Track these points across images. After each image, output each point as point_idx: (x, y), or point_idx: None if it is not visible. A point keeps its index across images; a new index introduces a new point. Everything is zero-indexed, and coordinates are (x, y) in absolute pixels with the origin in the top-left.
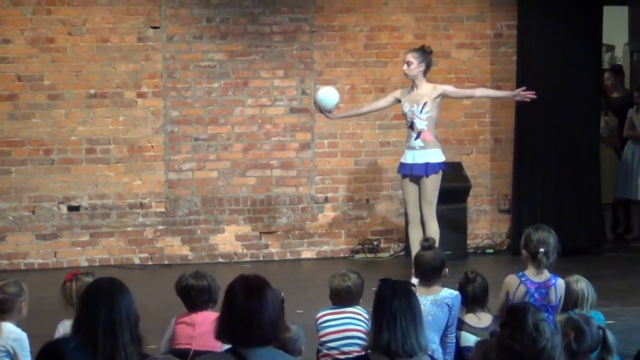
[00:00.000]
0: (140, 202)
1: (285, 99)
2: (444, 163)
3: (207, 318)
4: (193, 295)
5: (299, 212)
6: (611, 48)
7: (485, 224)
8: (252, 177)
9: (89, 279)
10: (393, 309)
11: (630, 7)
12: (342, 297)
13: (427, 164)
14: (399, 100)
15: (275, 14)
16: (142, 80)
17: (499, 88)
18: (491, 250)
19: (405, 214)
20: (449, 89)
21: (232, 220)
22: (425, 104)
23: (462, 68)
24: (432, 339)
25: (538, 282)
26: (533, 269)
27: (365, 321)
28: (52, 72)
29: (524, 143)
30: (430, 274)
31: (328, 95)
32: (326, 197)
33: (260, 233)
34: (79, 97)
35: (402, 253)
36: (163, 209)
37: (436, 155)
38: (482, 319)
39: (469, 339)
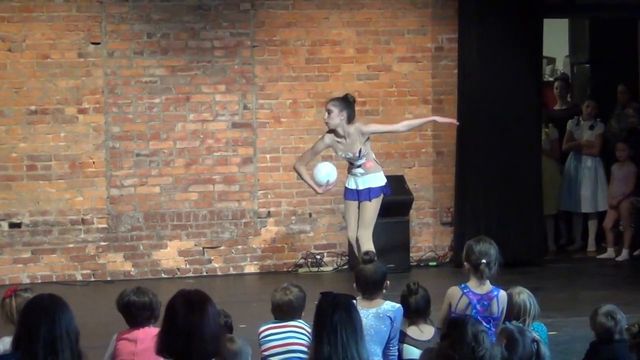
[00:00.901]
0: (82, 219)
1: (227, 114)
2: (386, 186)
3: (149, 334)
4: (134, 311)
5: (242, 227)
6: (552, 60)
7: (427, 237)
8: (194, 192)
9: (29, 295)
10: (333, 323)
11: (571, 20)
12: (284, 311)
13: (369, 188)
14: (329, 146)
15: (216, 29)
16: (83, 96)
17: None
18: (434, 263)
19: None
20: (373, 128)
21: (175, 235)
22: (360, 150)
23: (403, 82)
24: (375, 352)
25: (480, 293)
26: (475, 281)
27: (308, 335)
28: None
29: (465, 156)
30: (372, 287)
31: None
32: (269, 212)
33: (203, 248)
34: (20, 113)
35: (346, 267)
36: (105, 225)
37: (377, 180)
38: (425, 332)
39: (412, 352)
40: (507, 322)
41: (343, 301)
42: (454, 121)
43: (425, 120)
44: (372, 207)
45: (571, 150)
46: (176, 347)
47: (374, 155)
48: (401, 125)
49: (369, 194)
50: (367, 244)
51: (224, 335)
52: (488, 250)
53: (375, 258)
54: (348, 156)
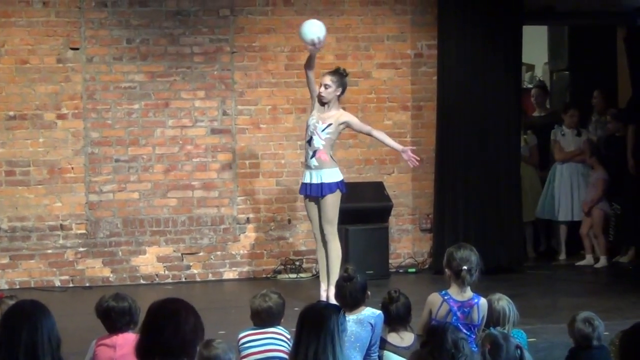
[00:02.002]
0: (61, 224)
1: (207, 120)
2: (341, 183)
3: (128, 340)
4: (114, 316)
5: (221, 233)
6: (531, 67)
7: (407, 243)
8: (173, 198)
9: (14, 302)
10: (313, 330)
11: (550, 27)
12: (263, 318)
13: (322, 184)
14: (313, 96)
15: (195, 35)
16: (62, 101)
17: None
18: (413, 270)
19: None
20: (354, 120)
21: (154, 241)
22: (329, 125)
23: (382, 88)
24: (355, 358)
25: (461, 300)
26: (456, 288)
27: (287, 341)
28: None
29: (445, 162)
30: (352, 302)
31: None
32: (248, 218)
33: (182, 254)
34: None
35: None
36: (84, 231)
37: (332, 175)
38: (405, 338)
39: (392, 358)
40: (491, 328)
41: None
42: (417, 162)
43: (396, 146)
44: (330, 202)
45: (565, 160)
46: (154, 355)
47: (332, 152)
48: (377, 132)
49: (321, 189)
50: (333, 241)
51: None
52: (469, 256)
53: (355, 275)
54: (317, 124)
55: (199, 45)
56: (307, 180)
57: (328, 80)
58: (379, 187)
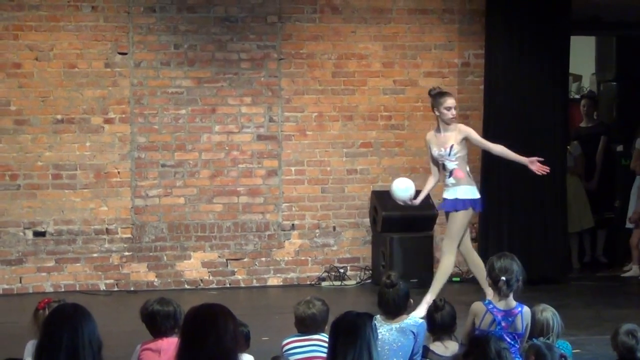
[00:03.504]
0: (107, 228)
1: (253, 126)
2: (477, 202)
3: (173, 344)
4: (159, 321)
5: (266, 239)
6: (578, 78)
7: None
8: (218, 203)
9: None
10: (349, 339)
11: (598, 37)
12: (307, 325)
13: (455, 199)
14: (430, 146)
15: (243, 41)
16: (109, 106)
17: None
18: (458, 279)
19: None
20: (472, 135)
21: (199, 246)
22: (452, 146)
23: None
24: None
25: (505, 310)
26: (497, 297)
27: None
28: (19, 97)
29: (490, 172)
30: (394, 310)
31: (400, 187)
32: (293, 225)
33: (227, 260)
34: (46, 122)
35: (369, 281)
36: (129, 235)
37: (466, 192)
38: (449, 347)
39: None
40: (534, 339)
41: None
42: (545, 168)
43: (519, 158)
44: (457, 219)
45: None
46: None
47: (468, 169)
48: (495, 146)
49: (455, 204)
50: (446, 255)
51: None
52: (509, 266)
53: (398, 281)
54: (440, 152)
55: (246, 52)
56: (448, 196)
57: (454, 102)
58: (428, 192)
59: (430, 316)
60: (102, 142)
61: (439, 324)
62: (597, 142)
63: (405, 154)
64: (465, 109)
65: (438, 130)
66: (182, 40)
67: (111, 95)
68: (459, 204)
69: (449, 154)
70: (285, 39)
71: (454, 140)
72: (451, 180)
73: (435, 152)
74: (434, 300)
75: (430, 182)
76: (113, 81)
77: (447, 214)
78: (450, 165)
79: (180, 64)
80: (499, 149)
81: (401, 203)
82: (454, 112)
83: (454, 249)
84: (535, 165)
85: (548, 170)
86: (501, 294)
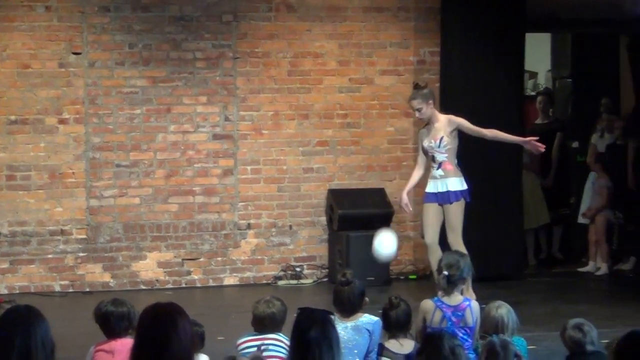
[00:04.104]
0: (61, 229)
1: (208, 125)
2: (467, 192)
3: (127, 345)
4: (112, 321)
5: (222, 239)
6: (534, 75)
7: (408, 250)
8: (174, 203)
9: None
10: (308, 338)
11: (553, 35)
12: (265, 324)
13: (448, 192)
14: (422, 139)
15: (198, 41)
16: (64, 106)
17: None
18: (414, 276)
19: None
20: (464, 124)
21: (154, 247)
22: (442, 138)
23: (385, 94)
24: None
25: (453, 305)
26: (443, 293)
27: (286, 348)
28: None
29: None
30: (350, 307)
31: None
32: (249, 224)
33: (183, 260)
34: (0, 123)
35: (325, 279)
36: (84, 236)
37: (456, 184)
38: (405, 345)
39: None
40: (494, 335)
41: (320, 317)
42: (541, 146)
43: (514, 139)
44: (456, 210)
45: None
46: None
47: (456, 162)
48: (488, 131)
49: (448, 197)
50: (460, 249)
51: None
52: (454, 263)
53: (353, 279)
54: (431, 144)
55: (201, 51)
56: (432, 189)
57: (417, 104)
58: (380, 193)
59: (385, 314)
60: (56, 142)
61: (394, 321)
62: (553, 139)
63: (361, 152)
64: None
65: (431, 123)
66: (137, 39)
67: (65, 95)
68: (452, 196)
69: (439, 146)
70: (240, 37)
71: (444, 132)
72: (439, 172)
73: (425, 143)
74: (389, 298)
75: (416, 176)
76: (67, 81)
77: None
78: (440, 157)
79: (135, 63)
80: (491, 133)
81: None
82: (417, 114)
83: (461, 240)
84: (530, 144)
85: (544, 149)
86: (439, 288)
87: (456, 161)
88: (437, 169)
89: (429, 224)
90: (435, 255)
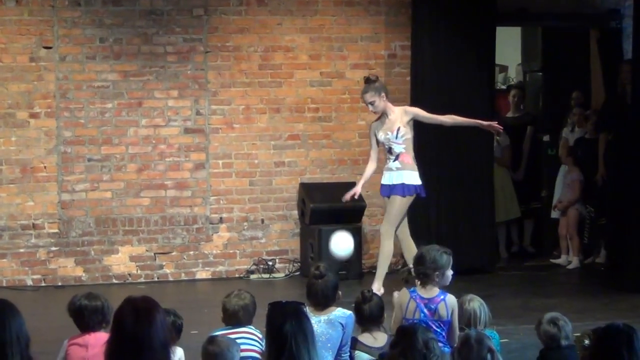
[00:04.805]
0: (33, 223)
1: (180, 119)
2: (421, 187)
3: (100, 339)
4: (86, 315)
5: (194, 233)
6: (504, 68)
7: (379, 244)
8: (146, 197)
9: None
10: (284, 331)
11: (523, 28)
12: (239, 317)
13: (403, 185)
14: (375, 132)
15: (169, 35)
16: (35, 100)
17: None
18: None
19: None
20: (419, 113)
21: (126, 241)
22: (398, 129)
23: (356, 88)
24: (326, 359)
25: (427, 297)
26: (419, 285)
27: (259, 340)
28: None
29: (417, 162)
30: (323, 301)
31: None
32: (221, 218)
33: (155, 254)
34: None
35: (297, 273)
36: (56, 230)
37: (412, 178)
38: (378, 339)
39: (364, 359)
40: (472, 329)
41: (292, 309)
42: (499, 128)
43: (471, 121)
44: (400, 203)
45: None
46: (125, 356)
47: (413, 154)
48: (446, 117)
49: (402, 189)
50: (387, 240)
51: (173, 343)
52: (420, 257)
53: (327, 272)
54: (387, 136)
55: (172, 45)
56: (387, 182)
57: (369, 97)
58: (352, 187)
59: (358, 308)
60: (27, 136)
61: (368, 315)
62: (524, 132)
63: (332, 146)
64: (392, 100)
65: (385, 115)
66: (108, 33)
67: (36, 89)
68: (406, 189)
69: (396, 137)
70: (211, 31)
71: (400, 122)
72: (396, 164)
73: (381, 136)
74: (362, 292)
75: (369, 171)
76: (38, 75)
77: (384, 199)
78: (398, 148)
79: (105, 57)
80: (449, 119)
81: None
82: (370, 107)
83: (392, 233)
84: (490, 126)
85: (502, 129)
86: (407, 283)
87: (413, 154)
88: (394, 160)
89: None
90: (405, 244)
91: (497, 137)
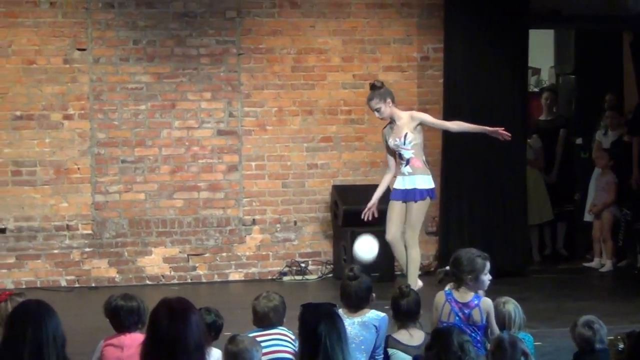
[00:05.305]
0: (67, 225)
1: (213, 121)
2: (432, 191)
3: (136, 340)
4: (122, 315)
5: (227, 234)
6: (537, 71)
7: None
8: (179, 199)
9: (23, 300)
10: (318, 333)
11: (556, 31)
12: (270, 318)
13: (415, 190)
14: (387, 138)
15: (202, 37)
16: (69, 102)
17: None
18: (419, 272)
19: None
20: (426, 118)
21: (160, 242)
22: (406, 135)
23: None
24: None
25: (461, 302)
26: (455, 288)
27: (292, 342)
28: None
29: (450, 165)
30: (357, 302)
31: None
32: (254, 220)
33: (188, 255)
34: (5, 119)
35: (330, 275)
36: (90, 231)
37: (424, 182)
38: (414, 336)
39: (401, 358)
40: (504, 331)
41: (325, 310)
42: (506, 134)
43: (477, 127)
44: (418, 208)
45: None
46: (160, 357)
47: (424, 158)
48: (452, 124)
49: (414, 194)
50: (413, 248)
51: (209, 344)
52: (455, 259)
53: (361, 274)
54: (396, 142)
55: (205, 47)
56: (399, 186)
57: (374, 104)
58: (386, 190)
59: (395, 303)
60: (61, 138)
61: (405, 310)
62: (556, 135)
63: (365, 148)
64: (425, 103)
65: (393, 121)
66: (141, 35)
67: (70, 91)
68: (417, 194)
69: (404, 143)
70: (244, 34)
71: (408, 127)
72: (407, 169)
73: (391, 142)
74: (399, 287)
75: (387, 178)
76: (72, 77)
77: (392, 202)
78: (407, 154)
79: (139, 59)
80: (455, 125)
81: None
82: (377, 114)
83: (417, 239)
84: (497, 132)
85: (510, 137)
86: (441, 284)
87: (424, 157)
88: (405, 165)
89: (392, 220)
90: (397, 250)
91: (529, 140)
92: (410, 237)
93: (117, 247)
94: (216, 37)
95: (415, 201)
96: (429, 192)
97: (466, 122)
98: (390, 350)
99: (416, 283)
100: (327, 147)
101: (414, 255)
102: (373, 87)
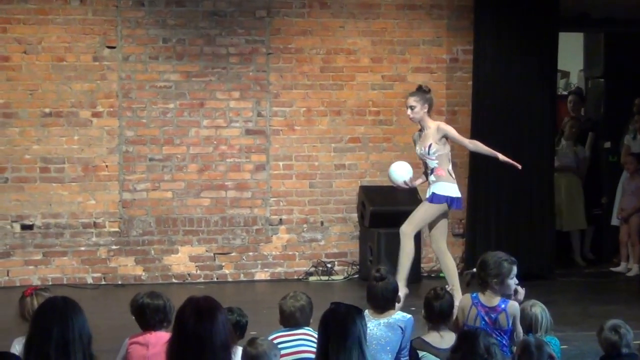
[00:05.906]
0: (94, 222)
1: (241, 121)
2: (457, 199)
3: (161, 338)
4: (148, 314)
5: (253, 234)
6: (566, 74)
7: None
8: (206, 198)
9: (48, 295)
10: (337, 333)
11: (586, 34)
12: (296, 318)
13: (432, 194)
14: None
15: (231, 36)
16: (98, 99)
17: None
18: (444, 274)
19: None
20: (450, 132)
21: (186, 240)
22: (430, 145)
23: None
24: None
25: (488, 306)
26: (481, 292)
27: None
28: (6, 90)
29: (478, 167)
30: (383, 303)
31: (397, 171)
32: (281, 219)
33: (214, 254)
34: (34, 115)
35: (356, 276)
36: (117, 229)
37: (444, 188)
38: (445, 338)
39: None
40: (530, 334)
41: (346, 312)
42: (517, 165)
43: (491, 152)
44: (426, 208)
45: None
46: (186, 357)
47: (450, 167)
48: (469, 142)
49: (431, 198)
50: (407, 240)
51: (234, 343)
52: (482, 262)
53: (387, 275)
54: (421, 151)
55: (234, 46)
56: (428, 192)
57: (412, 101)
58: (412, 191)
59: (428, 304)
60: (90, 135)
61: (438, 312)
62: (585, 139)
63: (393, 149)
64: (454, 104)
65: (421, 129)
66: (171, 34)
67: (99, 88)
68: (435, 198)
69: (429, 153)
70: (273, 33)
71: (432, 139)
72: (432, 177)
73: (418, 150)
74: (434, 289)
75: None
76: (101, 75)
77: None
78: (431, 163)
79: (168, 57)
80: (472, 145)
81: (399, 184)
82: (409, 111)
83: (411, 234)
84: (505, 161)
85: (519, 167)
86: (469, 286)
87: (450, 165)
88: (431, 174)
89: (414, 217)
90: (401, 243)
91: (575, 148)
92: (406, 228)
93: (144, 245)
94: (245, 37)
95: (431, 202)
96: (448, 199)
97: (495, 125)
98: (421, 353)
99: (404, 278)
100: (354, 147)
101: (408, 247)
102: (419, 88)
